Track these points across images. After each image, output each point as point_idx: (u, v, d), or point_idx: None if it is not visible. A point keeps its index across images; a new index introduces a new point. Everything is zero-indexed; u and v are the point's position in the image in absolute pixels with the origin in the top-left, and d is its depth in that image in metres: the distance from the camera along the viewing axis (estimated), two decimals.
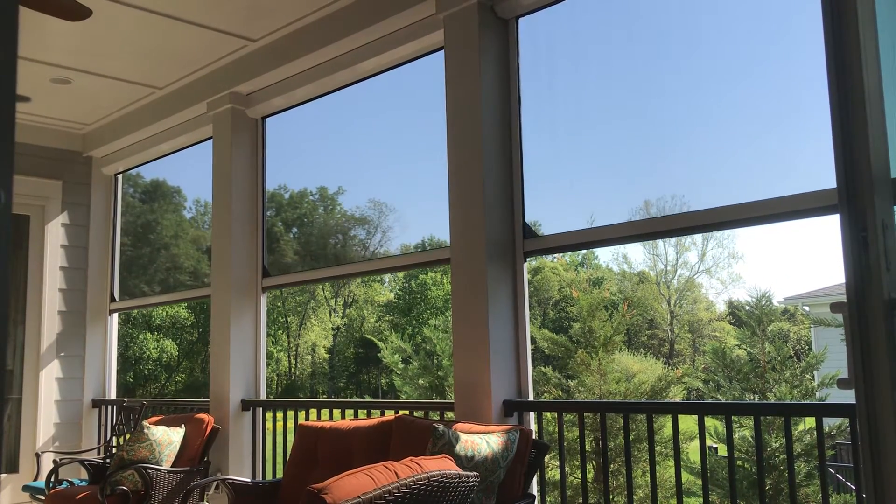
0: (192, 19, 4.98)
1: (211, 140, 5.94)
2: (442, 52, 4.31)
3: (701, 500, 3.95)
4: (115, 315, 7.27)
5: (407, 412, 4.24)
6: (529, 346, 4.05)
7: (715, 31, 3.68)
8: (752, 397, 7.90)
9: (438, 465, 2.75)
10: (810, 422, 7.26)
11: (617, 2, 4.10)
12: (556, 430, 5.01)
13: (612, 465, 7.73)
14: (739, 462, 7.46)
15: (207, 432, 5.10)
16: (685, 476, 8.15)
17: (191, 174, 6.99)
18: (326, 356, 28.68)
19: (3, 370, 1.05)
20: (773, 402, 7.50)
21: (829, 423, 7.58)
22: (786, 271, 35.20)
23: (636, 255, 31.94)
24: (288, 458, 4.35)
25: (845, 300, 1.89)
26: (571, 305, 13.24)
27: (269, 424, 5.55)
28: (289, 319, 28.37)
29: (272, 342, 27.05)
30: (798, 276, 35.12)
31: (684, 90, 3.78)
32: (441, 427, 3.24)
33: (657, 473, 4.83)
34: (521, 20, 4.21)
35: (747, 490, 7.12)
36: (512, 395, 3.96)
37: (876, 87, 1.91)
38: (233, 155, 5.66)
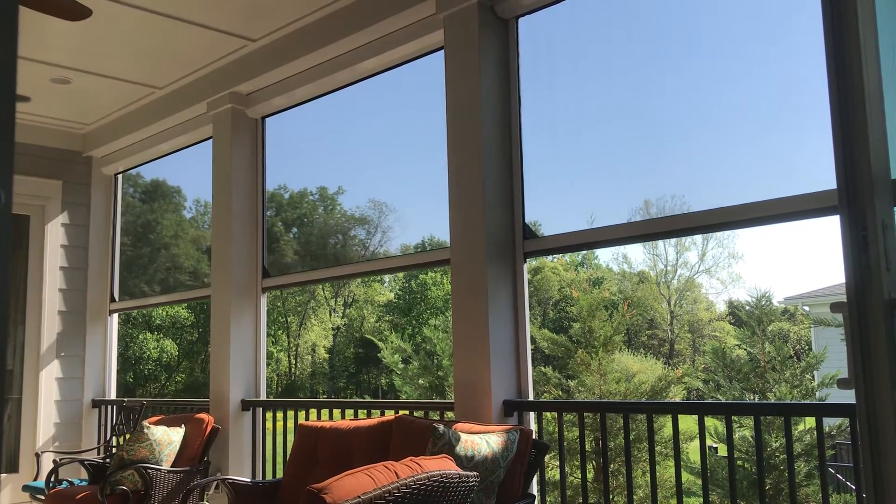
0: (192, 19, 4.98)
1: (211, 140, 5.94)
2: (442, 52, 4.31)
3: (701, 499, 3.95)
4: (115, 315, 7.27)
5: (407, 412, 4.24)
6: (529, 346, 4.05)
7: (715, 31, 3.68)
8: (752, 397, 7.90)
9: (438, 465, 2.75)
10: (810, 422, 7.26)
11: (617, 2, 4.10)
12: (556, 430, 5.01)
13: (612, 465, 7.73)
14: (739, 462, 7.46)
15: (207, 432, 5.10)
16: (685, 476, 8.15)
17: (191, 174, 6.99)
18: (326, 356, 28.68)
19: (3, 370, 1.05)
20: (773, 402, 7.50)
21: (829, 423, 7.58)
22: (786, 271, 35.22)
23: (636, 254, 31.97)
24: (288, 457, 4.35)
25: (845, 300, 1.89)
26: (571, 305, 13.24)
27: (269, 424, 5.55)
28: (289, 319, 28.38)
29: (272, 342, 27.05)
30: (798, 276, 35.15)
31: (684, 90, 3.78)
32: (441, 427, 3.24)
33: (657, 473, 4.83)
34: (521, 20, 4.21)
35: (747, 490, 7.12)
36: (512, 394, 3.96)
37: (876, 87, 1.91)
38: (233, 155, 5.66)
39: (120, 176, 7.33)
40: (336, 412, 5.34)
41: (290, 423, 4.98)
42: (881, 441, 1.81)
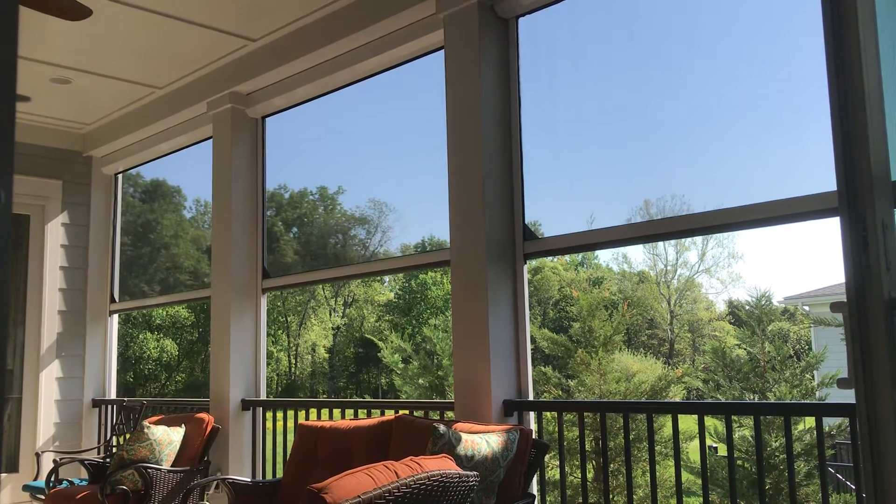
0: (193, 19, 4.98)
1: (211, 140, 5.94)
2: (442, 51, 4.31)
3: (701, 499, 3.95)
4: (115, 315, 7.27)
5: (407, 412, 4.24)
6: (529, 346, 4.05)
7: (715, 31, 3.68)
8: (751, 397, 7.90)
9: (438, 465, 2.75)
10: (810, 421, 7.26)
11: (617, 2, 4.10)
12: (556, 429, 5.02)
13: (612, 465, 7.73)
14: (739, 462, 7.46)
15: (207, 432, 5.11)
16: (685, 476, 8.15)
17: (191, 174, 6.99)
18: (326, 356, 28.68)
19: (3, 370, 1.05)
20: (772, 401, 7.50)
21: (829, 422, 7.58)
22: (786, 271, 35.23)
23: (636, 254, 31.97)
24: (288, 457, 4.35)
25: (845, 300, 1.89)
26: (571, 305, 13.24)
27: (269, 424, 5.55)
28: (289, 319, 28.38)
29: (272, 342, 27.06)
30: (798, 276, 35.16)
31: (684, 90, 3.78)
32: (442, 427, 3.24)
33: (657, 473, 4.83)
34: (521, 20, 4.21)
35: (747, 490, 7.12)
36: (512, 394, 3.96)
37: (876, 87, 1.91)
38: (233, 155, 5.66)
39: (120, 176, 7.33)
40: (336, 412, 5.34)
41: (290, 423, 4.98)
42: (881, 441, 1.81)
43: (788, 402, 7.41)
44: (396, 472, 2.61)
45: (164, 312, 25.71)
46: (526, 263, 4.11)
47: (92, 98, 6.36)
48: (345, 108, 5.46)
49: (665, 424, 7.84)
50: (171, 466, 4.93)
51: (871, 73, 1.90)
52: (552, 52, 4.20)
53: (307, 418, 5.05)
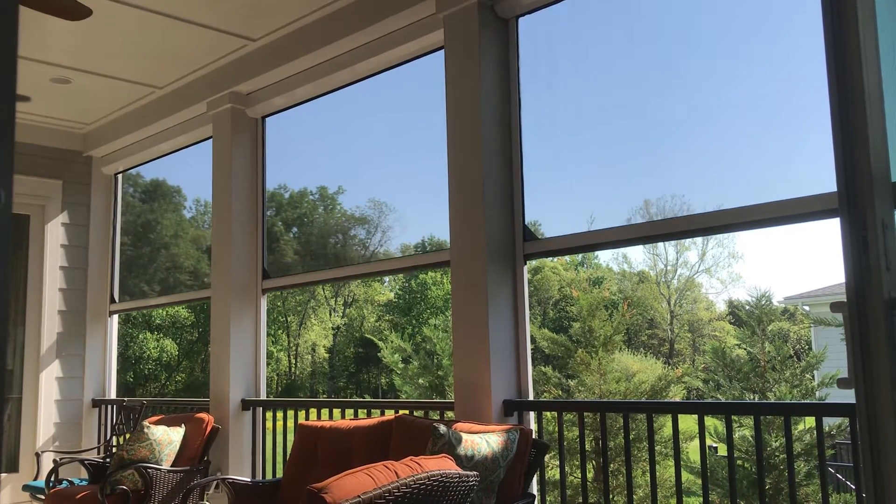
0: (192, 19, 4.98)
1: (211, 140, 5.94)
2: (442, 51, 4.31)
3: (701, 499, 3.95)
4: (115, 316, 7.27)
5: (407, 412, 4.24)
6: (529, 346, 4.05)
7: (715, 31, 3.68)
8: (752, 397, 7.90)
9: (438, 465, 2.75)
10: (810, 421, 7.26)
11: (617, 2, 4.10)
12: (556, 429, 5.02)
13: (611, 465, 7.73)
14: (739, 461, 7.46)
15: (207, 432, 5.11)
16: (685, 475, 8.15)
17: (191, 174, 7.00)
18: (326, 356, 28.69)
19: (3, 370, 1.05)
20: (773, 401, 7.50)
21: (829, 422, 7.58)
22: (786, 271, 35.23)
23: (636, 254, 31.97)
24: (288, 457, 4.35)
25: (845, 300, 1.89)
26: (571, 305, 13.24)
27: (269, 424, 5.55)
28: (289, 319, 28.38)
29: (272, 341, 27.06)
30: (798, 276, 35.16)
31: (684, 90, 3.78)
32: (442, 427, 3.24)
33: (657, 473, 4.83)
34: (521, 20, 4.21)
35: (747, 489, 7.12)
36: (512, 394, 3.96)
37: (876, 87, 1.91)
38: (233, 154, 5.66)
39: (120, 176, 7.33)
40: (336, 412, 5.34)
41: (290, 423, 4.98)
42: (881, 441, 1.81)
43: (788, 402, 7.41)
44: (396, 472, 2.61)
45: (164, 312, 25.71)
46: (526, 264, 4.11)
47: (92, 98, 6.36)
48: (345, 108, 5.46)
49: (665, 424, 7.84)
50: (171, 466, 4.93)
51: (871, 73, 1.90)
52: (552, 52, 4.20)
53: (307, 418, 5.05)
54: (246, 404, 5.49)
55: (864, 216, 1.85)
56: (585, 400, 7.85)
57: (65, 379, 6.88)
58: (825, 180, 3.01)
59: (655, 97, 3.87)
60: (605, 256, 31.62)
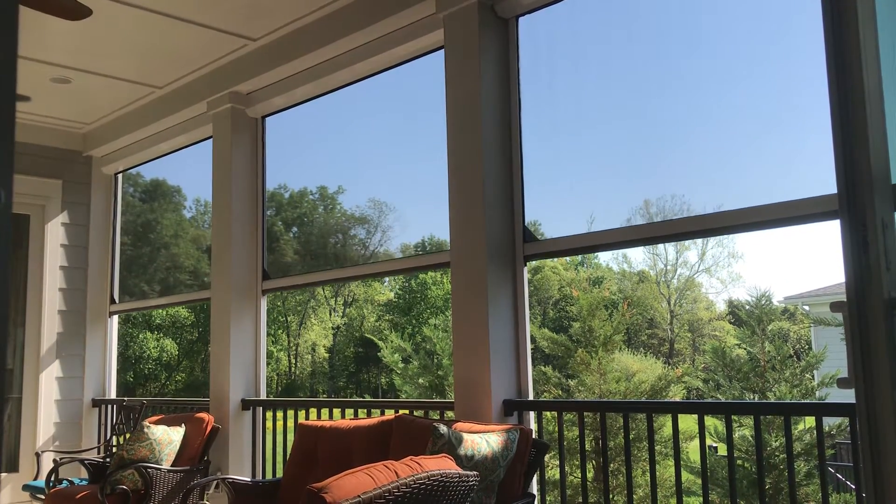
0: (192, 18, 4.98)
1: (211, 139, 5.94)
2: (442, 51, 4.31)
3: (701, 499, 3.95)
4: (115, 316, 7.27)
5: (407, 412, 4.24)
6: (529, 346, 4.05)
7: (715, 31, 3.68)
8: (751, 397, 7.90)
9: (438, 465, 2.75)
10: (810, 421, 7.26)
11: (617, 2, 4.10)
12: (556, 429, 5.02)
13: (611, 465, 7.73)
14: (739, 461, 7.46)
15: (207, 431, 5.11)
16: (685, 475, 8.15)
17: (191, 174, 7.00)
18: (326, 355, 28.69)
19: (3, 370, 1.05)
20: (772, 401, 7.50)
21: (829, 422, 7.58)
22: (786, 271, 35.23)
23: (636, 254, 31.97)
24: (288, 457, 4.35)
25: (845, 300, 1.89)
26: (571, 305, 13.24)
27: (269, 424, 5.55)
28: (289, 319, 28.38)
29: (272, 341, 27.06)
30: (798, 276, 35.16)
31: (684, 90, 3.78)
32: (442, 427, 3.24)
33: (657, 473, 4.83)
34: (521, 19, 4.20)
35: (747, 489, 7.12)
36: (512, 394, 3.96)
37: (876, 87, 1.91)
38: (233, 154, 5.66)
39: (120, 175, 7.33)
40: (336, 411, 5.34)
41: (290, 423, 4.98)
42: (881, 441, 1.81)
43: (788, 401, 7.42)
44: (396, 472, 2.61)
45: (164, 312, 25.71)
46: (526, 265, 4.11)
47: (92, 98, 6.36)
48: (344, 108, 5.46)
49: (665, 424, 7.84)
50: (171, 466, 4.93)
51: (871, 73, 1.90)
52: (552, 52, 4.20)
53: (307, 418, 5.05)
54: (246, 404, 5.49)
55: (864, 216, 1.85)
56: (585, 400, 7.86)
57: (65, 379, 6.88)
58: (825, 180, 3.01)
59: (655, 97, 3.87)
60: (604, 256, 31.63)
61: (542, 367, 8.73)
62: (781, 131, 3.44)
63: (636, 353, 23.27)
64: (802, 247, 36.87)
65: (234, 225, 5.60)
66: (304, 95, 5.42)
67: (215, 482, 5.13)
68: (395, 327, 25.95)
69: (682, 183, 3.77)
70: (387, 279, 29.09)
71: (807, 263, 36.58)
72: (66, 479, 5.52)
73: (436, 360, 9.28)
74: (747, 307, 8.75)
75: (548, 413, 4.93)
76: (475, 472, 2.90)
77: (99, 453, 6.43)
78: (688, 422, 8.49)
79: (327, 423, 4.19)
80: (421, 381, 9.18)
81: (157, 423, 5.16)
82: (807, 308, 18.04)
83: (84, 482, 5.40)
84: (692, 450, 8.89)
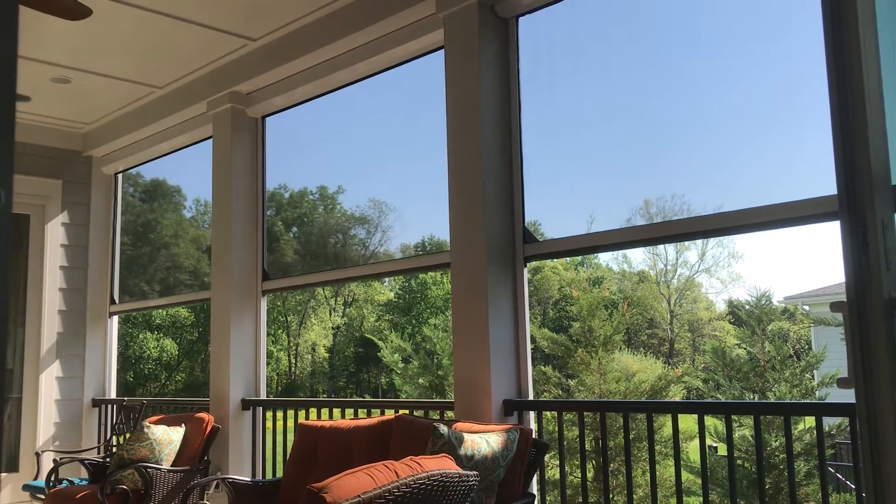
0: (192, 18, 4.98)
1: (211, 139, 5.94)
2: (442, 51, 4.31)
3: (701, 499, 3.95)
4: (115, 316, 7.27)
5: (407, 411, 4.24)
6: (529, 346, 4.05)
7: (715, 31, 3.68)
8: (751, 396, 7.90)
9: (438, 465, 2.75)
10: (810, 421, 7.26)
11: (617, 2, 4.10)
12: (556, 429, 5.02)
13: (611, 465, 7.73)
14: (739, 461, 7.46)
15: (207, 431, 5.11)
16: (685, 475, 8.15)
17: (191, 173, 7.00)
18: (326, 355, 28.69)
19: (3, 369, 1.05)
20: (772, 401, 7.50)
21: (829, 422, 7.58)
22: (786, 271, 35.23)
23: (636, 254, 31.96)
24: (288, 457, 4.35)
25: (845, 300, 1.89)
26: (571, 305, 13.24)
27: (269, 424, 5.56)
28: (289, 318, 28.38)
29: (272, 341, 27.06)
30: (798, 276, 35.15)
31: (684, 90, 3.79)
32: (443, 427, 3.24)
33: (657, 473, 4.83)
34: (521, 19, 4.20)
35: (747, 489, 7.13)
36: (512, 394, 3.96)
37: (876, 87, 1.91)
38: (233, 154, 5.66)
39: (120, 175, 7.33)
40: (336, 411, 5.34)
41: (290, 423, 4.98)
42: (881, 441, 1.81)
43: (788, 401, 7.42)
44: (396, 472, 2.61)
45: (164, 312, 25.71)
46: (526, 266, 4.10)
47: (92, 98, 6.36)
48: (345, 108, 5.46)
49: (665, 424, 7.84)
50: (171, 466, 4.93)
51: (871, 73, 1.90)
52: (552, 52, 4.20)
53: (307, 418, 5.05)
54: (246, 404, 5.49)
55: (864, 216, 1.85)
56: (585, 400, 7.85)
57: (65, 379, 6.88)
58: (825, 181, 3.01)
59: (655, 97, 3.88)
60: (604, 256, 31.63)
61: (542, 367, 8.73)
62: (781, 131, 3.44)
63: (636, 353, 23.27)
64: (802, 247, 36.88)
65: (234, 225, 5.60)
66: (304, 95, 5.42)
67: (215, 482, 5.13)
68: (395, 327, 25.95)
69: (682, 183, 3.77)
70: (387, 279, 29.09)
71: (807, 263, 36.58)
72: (66, 479, 5.52)
73: (436, 360, 9.28)
74: (747, 307, 8.75)
75: (548, 413, 4.93)
76: (475, 472, 2.90)
77: (99, 453, 6.44)
78: (688, 422, 8.49)
79: (327, 423, 4.19)
80: (421, 381, 9.18)
81: (157, 423, 5.16)
82: (807, 308, 18.04)
83: (84, 482, 5.41)
84: (692, 450, 8.90)
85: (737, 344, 9.83)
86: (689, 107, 3.77)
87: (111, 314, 7.18)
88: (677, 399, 11.48)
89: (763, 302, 8.41)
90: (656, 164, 3.98)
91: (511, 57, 4.19)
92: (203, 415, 5.20)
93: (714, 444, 9.76)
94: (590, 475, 7.68)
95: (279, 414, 5.37)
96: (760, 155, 3.52)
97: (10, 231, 1.02)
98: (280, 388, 26.83)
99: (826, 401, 7.71)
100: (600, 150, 4.19)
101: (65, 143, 7.09)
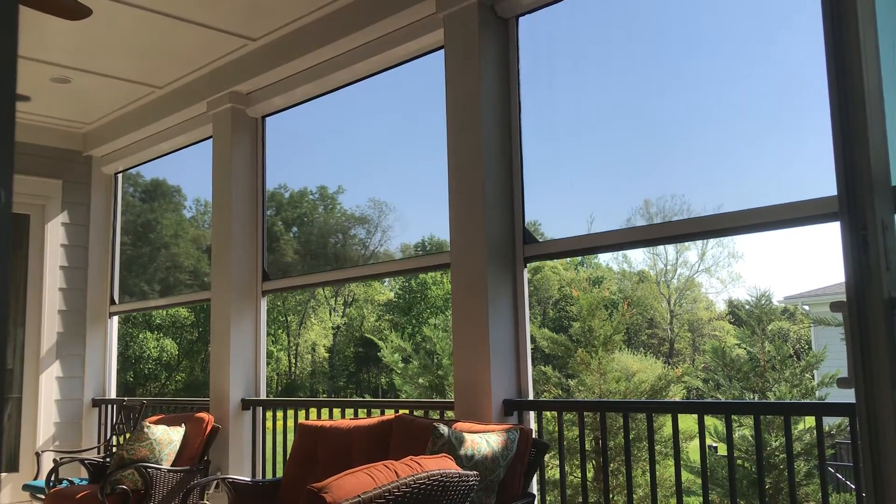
0: (192, 18, 4.98)
1: (211, 139, 5.94)
2: (442, 51, 4.31)
3: (701, 499, 3.95)
4: (115, 317, 7.27)
5: (407, 411, 4.24)
6: (529, 346, 4.05)
7: (715, 31, 3.68)
8: (751, 396, 7.91)
9: (438, 465, 2.75)
10: (810, 421, 7.27)
11: (617, 2, 4.10)
12: (556, 429, 5.02)
13: (611, 465, 7.73)
14: (739, 461, 7.46)
15: (207, 431, 5.11)
16: (685, 475, 8.15)
17: (191, 173, 7.00)
18: (326, 355, 28.69)
19: (3, 369, 1.05)
20: (772, 401, 7.50)
21: (829, 422, 7.58)
22: (786, 270, 35.23)
23: (636, 254, 31.95)
24: (288, 457, 4.35)
25: (845, 299, 1.89)
26: (571, 305, 13.24)
27: (269, 423, 5.56)
28: (289, 318, 28.38)
29: (272, 341, 27.06)
30: (798, 276, 35.15)
31: (684, 90, 3.79)
32: (443, 427, 3.24)
33: (657, 472, 4.83)
34: (521, 19, 4.20)
35: (747, 489, 7.13)
36: (512, 394, 3.96)
37: (876, 87, 1.91)
38: (233, 154, 5.66)
39: (120, 175, 7.33)
40: (336, 411, 5.34)
41: (290, 423, 4.98)
42: (881, 441, 1.81)
43: (788, 401, 7.42)
44: (396, 472, 2.61)
45: (164, 312, 25.71)
46: (526, 267, 4.10)
47: (92, 98, 6.36)
48: (345, 108, 5.46)
49: (665, 424, 7.84)
50: (171, 466, 4.93)
51: (871, 73, 1.90)
52: (552, 52, 4.20)
53: (307, 418, 5.06)
54: (246, 404, 5.49)
55: (864, 216, 1.85)
56: (585, 399, 7.85)
57: (65, 379, 6.88)
58: (825, 181, 3.01)
59: (655, 97, 3.88)
60: (604, 256, 31.63)
61: (542, 367, 8.73)
62: (781, 131, 3.44)
63: (636, 352, 23.26)
64: (802, 247, 36.88)
65: (234, 225, 5.60)
66: (304, 95, 5.42)
67: (215, 482, 5.13)
68: (395, 327, 25.95)
69: (682, 183, 3.77)
70: (387, 279, 29.09)
71: (807, 263, 36.58)
72: (66, 479, 5.52)
73: (436, 360, 9.28)
74: (747, 307, 8.75)
75: (548, 413, 4.93)
76: (475, 472, 2.90)
77: (99, 453, 6.44)
78: (688, 422, 8.49)
79: (327, 423, 4.19)
80: (421, 380, 9.18)
81: (157, 422, 5.16)
82: (807, 308, 18.04)
83: (84, 482, 5.41)
84: (692, 450, 8.90)
85: (737, 344, 9.83)
86: (689, 107, 3.77)
87: (111, 314, 7.18)
88: (677, 399, 11.48)
89: (763, 302, 8.41)
90: (656, 163, 3.98)
91: (511, 57, 4.19)
92: (203, 415, 5.20)
93: (714, 444, 9.76)
94: (590, 475, 7.68)
95: (279, 414, 5.37)
96: (760, 155, 3.52)
97: (10, 231, 1.02)
98: (280, 388, 26.83)
99: (826, 401, 7.71)
100: (600, 150, 4.19)
101: (65, 143, 7.10)
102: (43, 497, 5.31)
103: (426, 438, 3.29)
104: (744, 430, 7.62)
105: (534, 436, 3.62)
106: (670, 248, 30.29)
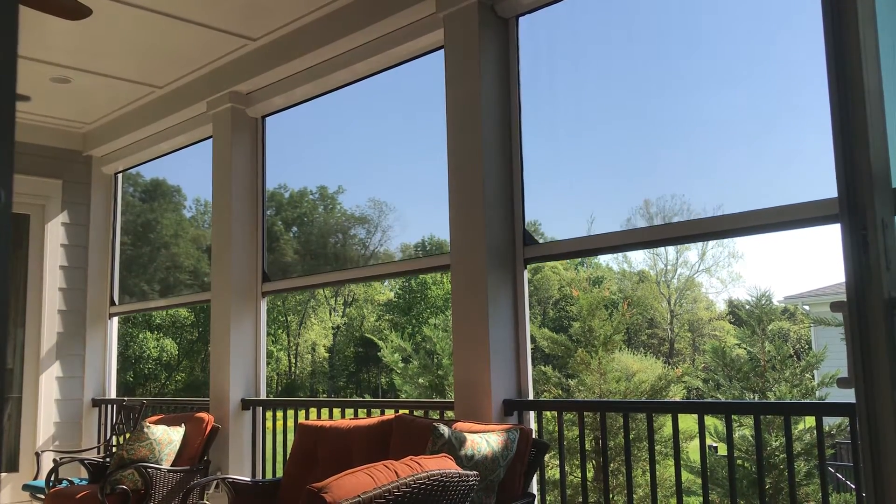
0: (192, 18, 4.98)
1: (211, 139, 5.94)
2: (441, 51, 4.31)
3: (701, 499, 3.95)
4: (115, 317, 7.27)
5: (407, 411, 4.24)
6: (529, 346, 4.05)
7: (715, 31, 3.68)
8: (751, 396, 7.90)
9: (438, 465, 2.75)
10: (810, 421, 7.27)
11: (617, 2, 4.10)
12: (556, 429, 5.02)
13: (611, 465, 7.73)
14: (739, 461, 7.46)
15: (207, 431, 5.11)
16: (685, 475, 8.15)
17: (191, 173, 7.00)
18: (326, 355, 28.69)
19: (3, 369, 1.05)
20: (772, 401, 7.50)
21: (829, 422, 7.58)
22: (786, 270, 35.23)
23: (636, 254, 31.93)
24: (288, 457, 4.35)
25: (845, 299, 1.89)
26: (571, 304, 13.25)
27: (269, 423, 5.56)
28: (289, 318, 28.38)
29: (272, 341, 27.06)
30: (798, 276, 35.15)
31: (684, 90, 3.78)
32: (443, 427, 3.24)
33: (657, 472, 4.84)
34: (521, 19, 4.20)
35: (747, 489, 7.13)
36: (512, 394, 3.96)
37: (876, 87, 1.91)
38: (233, 154, 5.66)
39: (120, 175, 7.33)
40: (336, 411, 5.34)
41: (290, 423, 4.98)
42: (881, 441, 1.81)
43: (788, 401, 7.42)
44: (396, 472, 2.61)
45: (164, 312, 25.71)
46: (526, 268, 4.10)
47: (92, 97, 6.36)
48: (345, 107, 5.46)
49: (665, 424, 7.84)
50: (171, 466, 4.93)
51: (871, 73, 1.90)
52: (552, 52, 4.20)
53: (307, 418, 5.05)
54: (246, 404, 5.49)
55: (864, 216, 1.85)
56: (585, 399, 7.85)
57: (65, 378, 6.88)
58: (825, 181, 3.01)
59: (655, 97, 3.87)
60: (604, 256, 31.61)
61: (542, 367, 8.73)
62: (781, 131, 3.44)
63: (636, 352, 23.26)
64: (802, 247, 36.89)
65: (234, 225, 5.60)
66: (304, 95, 5.42)
67: (215, 482, 5.13)
68: (395, 327, 25.95)
69: (682, 183, 3.77)
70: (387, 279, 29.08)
71: (807, 263, 36.57)
72: (66, 479, 5.52)
73: (436, 360, 9.28)
74: (747, 307, 8.75)
75: (548, 413, 4.93)
76: (475, 472, 2.90)
77: (99, 453, 6.44)
78: (688, 422, 8.49)
79: (327, 423, 4.19)
80: (421, 380, 9.18)
81: (157, 422, 5.16)
82: (807, 308, 18.04)
83: (84, 482, 5.41)
84: (692, 450, 8.89)
85: (737, 344, 9.83)
86: (689, 107, 3.77)
87: (111, 315, 7.18)
88: (677, 399, 11.47)
89: (763, 302, 8.41)
90: (656, 164, 3.98)
91: (511, 57, 4.19)
92: (203, 415, 5.20)
93: (714, 444, 9.76)
94: (590, 475, 7.68)
95: (279, 414, 5.37)
96: (760, 155, 3.52)
97: (10, 231, 1.02)
98: (280, 388, 26.83)
99: (826, 401, 7.71)
100: (600, 150, 4.19)
101: (65, 142, 7.10)
102: (43, 497, 5.31)
103: (426, 438, 3.29)
104: (744, 430, 7.62)
105: (534, 436, 3.62)
106: (670, 248, 30.29)
